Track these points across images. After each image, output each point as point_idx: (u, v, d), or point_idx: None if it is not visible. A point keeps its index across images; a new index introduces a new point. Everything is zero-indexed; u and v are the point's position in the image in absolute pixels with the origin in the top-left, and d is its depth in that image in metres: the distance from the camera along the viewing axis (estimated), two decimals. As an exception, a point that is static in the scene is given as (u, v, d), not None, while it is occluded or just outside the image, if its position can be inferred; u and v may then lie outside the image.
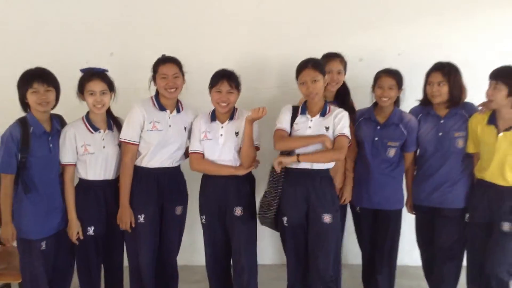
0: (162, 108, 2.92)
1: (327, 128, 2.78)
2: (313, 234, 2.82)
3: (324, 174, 2.83)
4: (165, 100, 2.93)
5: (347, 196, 3.15)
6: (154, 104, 2.93)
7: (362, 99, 3.28)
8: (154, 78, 2.93)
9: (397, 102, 3.14)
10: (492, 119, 2.86)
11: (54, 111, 2.86)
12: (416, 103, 3.20)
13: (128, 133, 2.86)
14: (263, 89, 3.73)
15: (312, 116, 2.83)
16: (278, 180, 2.89)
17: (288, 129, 2.85)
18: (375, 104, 3.15)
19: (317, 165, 2.79)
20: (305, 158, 2.75)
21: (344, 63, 3.17)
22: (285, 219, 2.88)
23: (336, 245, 2.90)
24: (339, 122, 2.78)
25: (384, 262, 3.18)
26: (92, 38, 3.75)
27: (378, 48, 3.76)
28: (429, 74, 3.03)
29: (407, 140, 3.06)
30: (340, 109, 2.85)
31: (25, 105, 2.74)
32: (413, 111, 3.17)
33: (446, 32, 3.81)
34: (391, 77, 3.02)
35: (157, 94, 2.96)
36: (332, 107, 2.87)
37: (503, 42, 3.79)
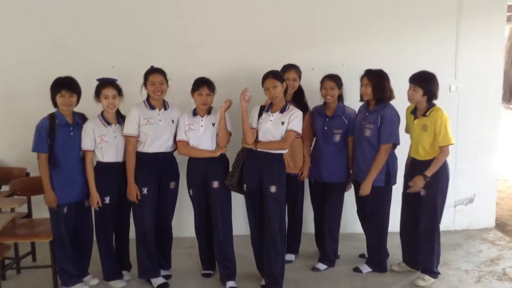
0: (152, 107, 3.51)
1: (282, 123, 3.44)
2: (264, 199, 3.47)
3: (275, 157, 3.47)
4: (154, 101, 3.52)
5: (305, 173, 3.91)
6: (146, 105, 3.51)
7: (316, 99, 4.01)
8: (145, 84, 3.52)
9: (340, 99, 3.86)
10: (414, 111, 3.66)
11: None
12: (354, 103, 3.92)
13: (128, 129, 3.45)
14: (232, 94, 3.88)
15: (273, 112, 3.51)
16: (241, 157, 3.56)
17: (255, 125, 3.51)
18: (325, 102, 3.85)
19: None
20: (260, 146, 3.47)
21: (298, 72, 3.87)
22: (245, 185, 3.56)
23: (281, 207, 3.49)
24: (292, 120, 3.40)
25: (328, 225, 3.93)
26: (97, 54, 4.30)
27: (326, 59, 4.47)
28: (362, 78, 3.70)
29: (348, 127, 3.79)
30: (296, 109, 3.46)
31: (55, 103, 3.37)
32: (360, 106, 3.84)
33: (380, 47, 4.57)
34: (331, 80, 3.78)
35: (148, 97, 3.54)
36: (291, 106, 3.51)
37: (427, 54, 4.56)
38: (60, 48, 4.35)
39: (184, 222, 4.32)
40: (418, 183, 3.53)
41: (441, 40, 4.66)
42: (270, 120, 3.48)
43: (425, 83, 3.51)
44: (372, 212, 3.80)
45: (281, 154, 3.54)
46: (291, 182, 3.82)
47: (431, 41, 4.63)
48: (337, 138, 3.81)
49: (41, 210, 3.72)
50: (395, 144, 3.68)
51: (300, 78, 3.86)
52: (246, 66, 4.35)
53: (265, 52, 4.43)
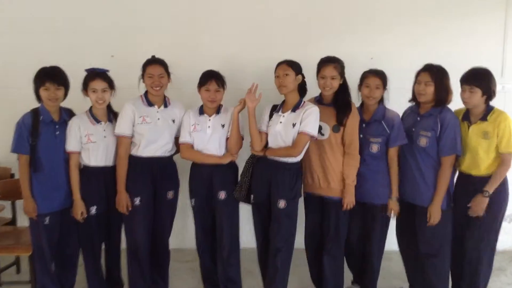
0: (150, 104, 3.15)
1: (293, 125, 2.99)
2: (272, 214, 3.08)
3: (287, 166, 3.03)
4: (152, 97, 3.15)
5: (347, 201, 3.10)
6: (143, 101, 3.15)
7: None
8: (143, 77, 3.15)
9: (381, 101, 3.19)
10: (466, 116, 3.06)
11: (64, 104, 3.11)
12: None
13: (121, 127, 3.08)
14: (243, 89, 3.64)
15: (284, 112, 3.06)
16: (251, 165, 3.17)
17: (264, 128, 3.10)
18: (363, 103, 3.22)
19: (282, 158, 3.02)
20: (269, 152, 3.04)
21: (339, 68, 3.09)
22: (252, 196, 3.16)
23: (291, 225, 3.06)
24: (305, 119, 2.94)
25: (369, 258, 3.27)
26: (95, 42, 3.96)
27: (352, 52, 3.87)
28: (418, 73, 3.07)
29: (390, 135, 3.08)
30: (311, 105, 3.01)
31: (39, 97, 2.99)
32: (406, 109, 3.24)
33: (415, 41, 4.04)
34: (377, 76, 3.10)
35: (146, 92, 3.18)
36: (307, 103, 3.05)
37: (469, 49, 4.02)
38: (53, 34, 4.00)
39: (186, 231, 4.02)
40: (481, 204, 2.97)
41: (487, 34, 4.14)
42: (281, 122, 3.05)
43: (483, 82, 2.95)
44: (432, 244, 3.12)
45: (296, 163, 3.09)
46: (326, 209, 3.18)
47: (474, 36, 4.11)
48: (375, 148, 3.13)
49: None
50: (458, 156, 3.07)
51: (342, 74, 3.11)
52: (259, 59, 3.88)
53: (281, 43, 3.98)
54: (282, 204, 3.03)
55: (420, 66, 3.14)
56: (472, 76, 2.98)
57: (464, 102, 3.04)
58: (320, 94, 3.21)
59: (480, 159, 2.99)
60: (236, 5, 4.00)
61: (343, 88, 3.13)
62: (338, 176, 3.09)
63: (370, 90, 3.12)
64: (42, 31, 3.96)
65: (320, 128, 3.07)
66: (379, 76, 3.12)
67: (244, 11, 4.01)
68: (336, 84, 3.09)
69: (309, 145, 3.09)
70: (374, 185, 3.15)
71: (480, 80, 2.96)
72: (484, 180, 2.98)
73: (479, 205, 2.97)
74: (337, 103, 3.10)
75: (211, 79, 3.10)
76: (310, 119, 2.97)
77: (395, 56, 3.94)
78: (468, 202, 3.02)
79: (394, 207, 3.16)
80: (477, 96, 2.95)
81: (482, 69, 3.01)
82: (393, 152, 3.14)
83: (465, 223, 3.07)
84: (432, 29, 4.07)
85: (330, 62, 3.09)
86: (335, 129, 3.07)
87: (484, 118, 3.00)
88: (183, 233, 4.04)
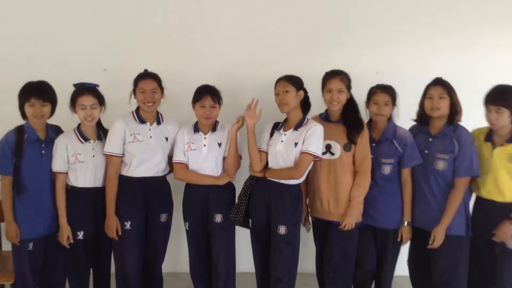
0: (142, 121, 2.99)
1: (295, 144, 2.81)
2: (272, 241, 2.89)
3: (288, 188, 2.85)
4: (144, 113, 3.00)
5: (346, 222, 2.90)
6: (134, 118, 2.99)
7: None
8: (134, 92, 3.01)
9: (390, 118, 3.01)
10: (489, 136, 2.85)
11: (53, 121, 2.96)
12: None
13: (110, 146, 2.92)
14: (240, 104, 3.35)
15: (286, 130, 2.89)
16: (249, 186, 2.99)
17: (264, 147, 2.93)
18: (371, 120, 3.04)
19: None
20: (269, 174, 2.87)
21: (345, 80, 2.91)
22: (250, 221, 2.98)
23: (293, 253, 2.87)
24: (308, 137, 2.78)
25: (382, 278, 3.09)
26: (87, 55, 3.78)
27: (357, 65, 3.66)
28: (429, 87, 2.90)
29: (403, 155, 2.90)
30: (315, 123, 2.85)
31: (24, 114, 2.84)
32: (411, 130, 3.04)
33: (425, 53, 3.82)
34: (386, 92, 2.92)
35: (138, 108, 3.03)
36: (310, 121, 2.89)
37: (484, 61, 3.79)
38: (43, 46, 3.81)
39: (180, 254, 3.80)
40: (507, 231, 2.76)
41: (501, 45, 3.87)
42: (282, 141, 2.88)
43: (510, 101, 2.74)
44: (448, 272, 2.89)
45: (297, 185, 2.91)
46: (333, 234, 2.96)
47: (490, 46, 3.86)
48: (387, 169, 2.93)
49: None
50: (474, 177, 2.88)
51: (349, 88, 2.94)
52: (259, 73, 3.72)
53: (282, 55, 3.78)
54: (282, 230, 2.84)
55: (425, 81, 2.98)
56: (498, 95, 2.77)
57: (491, 124, 2.83)
58: (326, 111, 3.03)
59: (504, 184, 2.79)
60: (235, 16, 3.83)
61: (351, 102, 2.95)
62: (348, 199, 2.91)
63: (379, 107, 2.94)
64: (30, 43, 3.79)
65: (329, 147, 2.89)
66: (388, 92, 2.94)
67: (242, 23, 3.83)
68: (343, 98, 2.91)
69: (317, 165, 2.92)
70: (386, 208, 2.97)
71: (507, 99, 2.75)
72: (510, 206, 2.78)
73: (504, 233, 2.76)
74: (347, 120, 2.92)
75: (206, 94, 2.95)
76: (314, 138, 2.80)
77: (402, 70, 3.74)
78: (490, 229, 2.81)
79: (406, 233, 2.97)
80: (505, 116, 2.74)
81: (507, 86, 2.79)
82: (407, 173, 2.95)
83: (486, 251, 2.87)
84: (441, 38, 3.85)
85: (336, 75, 2.92)
86: (346, 148, 2.88)
87: (511, 140, 2.79)
88: (178, 256, 3.84)
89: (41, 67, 3.44)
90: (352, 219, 2.87)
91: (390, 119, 3.01)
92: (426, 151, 2.92)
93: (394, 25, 3.83)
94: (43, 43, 3.78)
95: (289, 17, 3.83)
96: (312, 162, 2.86)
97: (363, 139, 2.87)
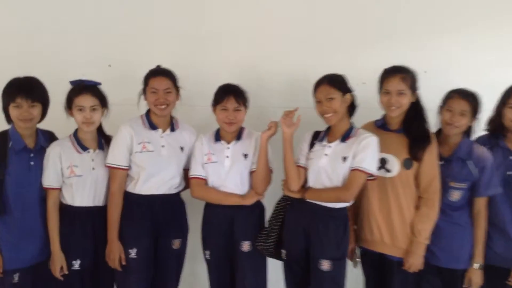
0: (153, 126, 2.70)
1: (344, 159, 2.41)
2: (312, 277, 2.50)
3: (333, 213, 2.48)
4: (156, 118, 2.70)
5: (411, 263, 2.50)
6: (144, 123, 2.70)
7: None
8: (144, 92, 2.72)
9: (468, 132, 2.60)
10: None
11: (45, 126, 2.67)
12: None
13: (114, 157, 2.62)
14: (269, 108, 3.34)
15: (331, 142, 2.50)
16: (282, 209, 2.63)
17: (303, 162, 2.55)
18: (439, 132, 2.62)
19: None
20: (310, 195, 2.47)
21: (409, 80, 2.48)
22: (284, 252, 2.60)
23: None
24: (360, 151, 2.40)
25: None
26: (89, 48, 3.52)
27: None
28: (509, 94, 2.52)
29: (479, 181, 2.48)
30: (367, 134, 2.46)
31: (9, 116, 2.55)
32: (479, 143, 2.63)
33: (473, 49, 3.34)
34: (466, 100, 2.47)
35: (148, 111, 2.74)
36: (361, 131, 2.49)
37: None
38: (39, 39, 3.52)
39: (195, 278, 3.42)
40: None
41: None
42: (326, 154, 2.47)
43: None
44: None
45: (343, 210, 2.51)
46: (387, 272, 2.55)
47: None
48: (455, 195, 2.49)
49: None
50: None
51: (413, 89, 2.49)
52: (287, 69, 3.37)
53: (314, 49, 3.39)
54: (326, 265, 2.42)
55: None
56: None
57: None
58: (384, 117, 2.59)
59: None
60: (257, 4, 3.50)
61: (416, 108, 2.50)
62: (408, 229, 2.47)
63: (453, 115, 2.48)
64: (22, 35, 3.52)
65: (384, 162, 2.45)
66: (468, 99, 2.49)
67: (266, 8, 3.47)
68: (405, 101, 2.45)
69: (367, 184, 2.50)
70: (453, 244, 2.50)
71: None
72: None
73: None
74: (410, 129, 2.48)
75: (229, 95, 2.62)
76: (368, 152, 2.38)
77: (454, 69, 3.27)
78: None
79: (476, 278, 2.50)
80: None
81: None
82: (481, 204, 2.51)
83: None
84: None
85: (396, 73, 2.47)
86: (406, 165, 2.42)
87: None
88: (192, 281, 3.47)
89: (35, 64, 3.12)
90: (418, 259, 2.43)
91: (467, 133, 2.57)
92: (508, 173, 2.50)
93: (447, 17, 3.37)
94: (36, 35, 3.51)
95: (303, 20, 3.46)
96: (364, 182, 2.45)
97: (431, 155, 2.42)
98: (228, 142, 2.66)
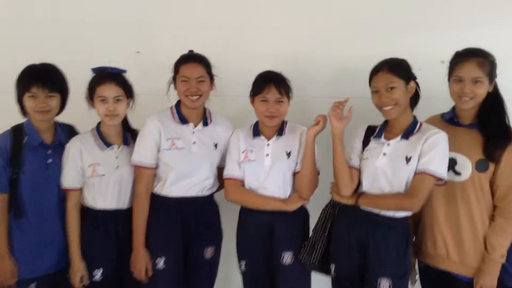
0: (183, 120, 2.49)
1: (408, 159, 2.09)
2: None
3: (394, 223, 2.18)
4: (187, 111, 2.48)
5: (482, 283, 2.19)
6: (174, 116, 2.49)
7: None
8: (174, 80, 2.49)
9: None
10: None
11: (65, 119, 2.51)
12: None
13: (140, 155, 2.42)
14: (316, 99, 3.13)
15: (390, 138, 2.18)
16: (329, 217, 2.37)
17: (356, 163, 2.27)
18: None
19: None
20: (365, 201, 2.17)
21: (487, 66, 2.15)
22: (333, 266, 2.31)
23: None
24: (428, 151, 2.08)
25: None
26: (116, 34, 3.35)
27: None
28: None
29: None
30: (435, 130, 2.12)
31: (24, 109, 2.37)
32: None
33: None
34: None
35: (179, 103, 2.52)
36: (425, 126, 2.16)
37: None
38: (61, 25, 3.37)
39: (229, 282, 3.22)
40: None
41: None
42: (384, 154, 2.16)
43: None
44: None
45: (405, 219, 2.19)
46: None
47: None
48: None
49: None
50: None
51: (492, 76, 2.17)
52: (332, 55, 3.10)
53: (360, 34, 3.11)
54: (385, 284, 2.12)
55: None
56: None
57: None
58: (453, 109, 2.25)
59: None
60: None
61: (494, 99, 2.16)
62: (480, 244, 2.13)
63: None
64: (44, 21, 3.39)
65: (453, 163, 2.12)
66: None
67: None
68: (481, 91, 2.10)
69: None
70: None
71: None
72: None
73: None
74: (486, 124, 2.14)
75: (270, 84, 2.37)
76: (437, 152, 2.05)
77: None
78: None
79: None
80: None
81: None
82: None
83: None
84: None
85: (471, 56, 2.11)
86: (480, 167, 2.09)
87: None
88: (225, 285, 3.24)
89: (56, 52, 2.92)
90: (492, 280, 2.10)
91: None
92: None
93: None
94: (59, 22, 3.38)
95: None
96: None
97: (511, 155, 2.08)
98: (268, 138, 2.42)
